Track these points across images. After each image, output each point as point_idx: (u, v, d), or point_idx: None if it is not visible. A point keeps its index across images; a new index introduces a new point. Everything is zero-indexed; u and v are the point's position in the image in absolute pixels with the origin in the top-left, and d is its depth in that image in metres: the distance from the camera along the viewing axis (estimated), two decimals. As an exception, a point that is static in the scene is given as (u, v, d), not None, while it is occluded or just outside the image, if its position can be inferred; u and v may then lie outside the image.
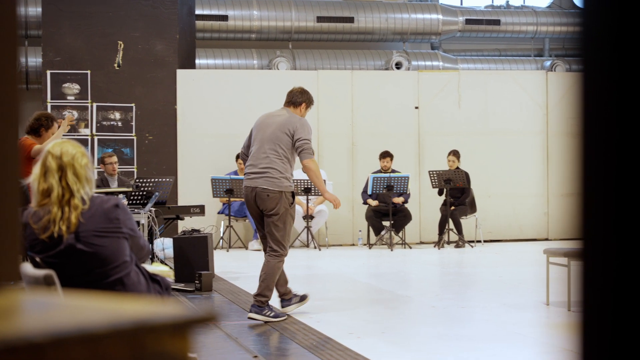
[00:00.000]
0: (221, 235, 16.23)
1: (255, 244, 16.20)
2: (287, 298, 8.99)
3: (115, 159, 14.29)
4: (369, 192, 16.16)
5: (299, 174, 16.51)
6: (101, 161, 14.40)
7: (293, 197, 8.61)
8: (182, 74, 16.75)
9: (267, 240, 8.66)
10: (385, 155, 16.46)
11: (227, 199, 16.03)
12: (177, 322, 1.39)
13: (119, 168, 15.13)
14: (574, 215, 1.47)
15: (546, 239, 17.74)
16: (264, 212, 8.57)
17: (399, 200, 16.31)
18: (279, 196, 8.47)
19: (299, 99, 9.12)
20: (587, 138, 1.43)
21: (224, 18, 19.26)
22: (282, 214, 8.48)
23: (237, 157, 16.32)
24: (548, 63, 20.65)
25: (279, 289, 8.94)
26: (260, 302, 8.54)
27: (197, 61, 18.51)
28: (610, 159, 1.40)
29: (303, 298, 9.06)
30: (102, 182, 13.69)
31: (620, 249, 1.39)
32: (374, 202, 16.35)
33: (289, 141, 8.67)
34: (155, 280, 4.87)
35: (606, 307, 1.39)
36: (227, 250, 15.84)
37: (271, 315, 8.49)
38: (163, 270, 5.41)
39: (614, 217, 1.39)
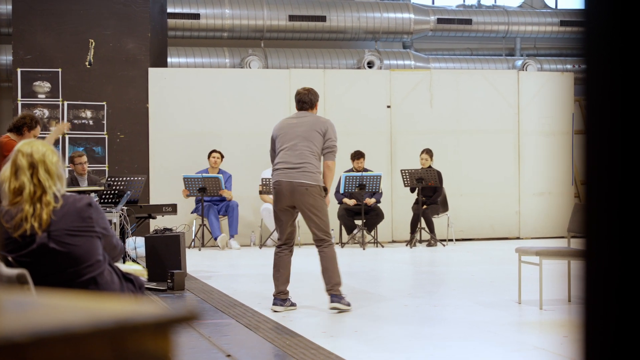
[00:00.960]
0: (194, 234, 16.18)
1: (233, 242, 16.18)
2: (283, 297, 9.09)
3: (85, 158, 14.23)
4: (341, 191, 16.16)
5: (269, 172, 16.51)
6: (70, 160, 14.33)
7: (325, 191, 9.01)
8: (153, 73, 16.70)
9: (313, 233, 9.04)
10: (358, 156, 16.46)
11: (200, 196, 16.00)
12: (158, 321, 1.38)
13: (90, 167, 15.07)
14: (581, 214, 1.47)
15: (517, 238, 17.81)
16: (301, 207, 8.93)
17: (370, 201, 16.32)
18: (317, 190, 8.84)
19: (313, 98, 9.27)
20: (591, 138, 1.43)
21: (196, 16, 19.20)
22: (321, 206, 8.88)
23: (209, 154, 16.28)
24: (519, 62, 20.72)
25: (280, 286, 9.11)
26: (337, 291, 8.89)
27: (169, 59, 18.45)
28: (614, 159, 1.40)
29: (293, 305, 9.21)
30: (72, 181, 13.63)
31: (624, 250, 1.39)
32: (351, 202, 16.34)
33: (320, 140, 8.98)
34: (128, 280, 4.86)
35: (609, 306, 1.39)
36: (199, 249, 15.80)
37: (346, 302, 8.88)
38: (136, 269, 5.38)
39: (618, 216, 1.40)
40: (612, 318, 1.39)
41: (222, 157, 16.38)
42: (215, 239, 15.98)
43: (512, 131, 17.98)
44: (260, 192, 16.33)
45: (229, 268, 13.49)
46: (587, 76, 1.43)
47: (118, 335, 1.34)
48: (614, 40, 1.38)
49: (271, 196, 16.20)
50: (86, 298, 1.51)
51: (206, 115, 16.82)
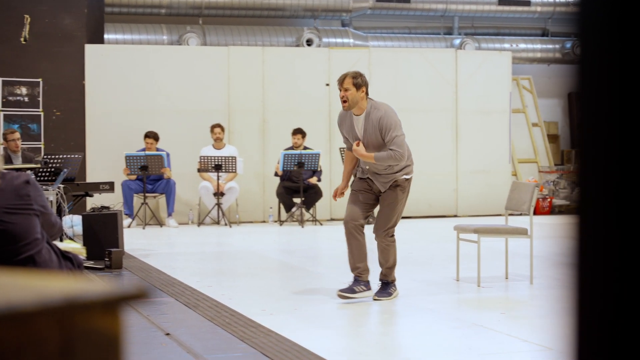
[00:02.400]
0: (134, 213, 16.04)
1: (171, 220, 16.11)
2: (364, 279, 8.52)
3: (17, 135, 14.05)
4: (280, 169, 16.13)
5: (208, 150, 16.44)
6: (3, 138, 14.14)
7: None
8: (90, 49, 16.51)
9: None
10: (297, 132, 16.46)
11: (138, 174, 15.89)
12: (107, 299, 1.35)
13: (25, 144, 14.88)
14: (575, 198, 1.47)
15: (455, 216, 17.93)
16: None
17: (313, 180, 16.33)
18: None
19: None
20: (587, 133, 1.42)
21: (133, -8, 19.00)
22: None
23: (146, 135, 16.13)
24: (457, 41, 20.81)
25: (363, 265, 8.50)
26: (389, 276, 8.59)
27: (105, 36, 18.24)
28: (612, 153, 1.40)
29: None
30: (6, 159, 13.46)
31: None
32: (279, 171, 16.26)
33: None
34: (67, 258, 4.80)
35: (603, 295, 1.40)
36: (144, 228, 15.68)
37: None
38: (75, 247, 5.33)
39: (614, 203, 1.39)
40: (606, 309, 1.40)
41: (157, 139, 16.18)
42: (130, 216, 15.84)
43: (450, 110, 18.08)
44: (199, 170, 16.25)
45: (167, 246, 13.43)
46: (583, 61, 1.41)
47: (66, 313, 1.32)
48: (612, 24, 1.37)
49: (210, 174, 16.22)
50: (32, 276, 1.48)
51: (144, 92, 16.68)
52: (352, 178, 8.71)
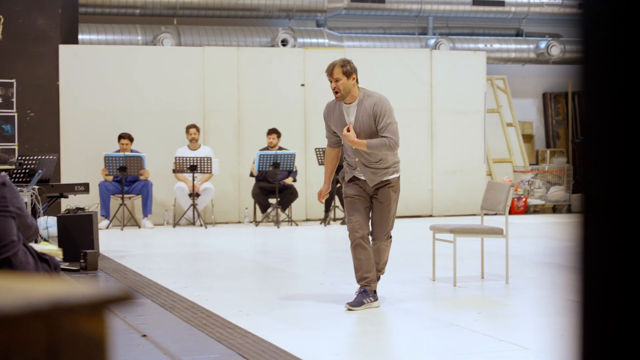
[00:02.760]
0: (112, 214, 15.98)
1: (147, 221, 16.07)
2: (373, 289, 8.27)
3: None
4: (256, 169, 16.12)
5: (183, 151, 16.41)
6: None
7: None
8: (64, 50, 16.45)
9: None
10: (272, 131, 16.45)
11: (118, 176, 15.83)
12: (93, 302, 1.35)
13: (-1, 145, 14.79)
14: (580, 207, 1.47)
15: (430, 216, 17.97)
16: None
17: (289, 181, 16.33)
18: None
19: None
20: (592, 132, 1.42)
21: (108, -7, 18.94)
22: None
23: (120, 136, 16.08)
24: (432, 41, 20.85)
25: (372, 275, 8.17)
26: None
27: (80, 36, 18.17)
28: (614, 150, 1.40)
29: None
30: (-19, 160, 13.37)
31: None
32: (255, 172, 16.26)
33: None
34: (43, 260, 4.78)
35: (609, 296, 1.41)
36: (122, 229, 15.62)
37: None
38: (51, 249, 5.31)
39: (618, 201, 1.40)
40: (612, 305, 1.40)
41: (132, 140, 16.16)
42: (107, 217, 15.81)
43: (425, 109, 18.12)
44: (174, 171, 16.22)
45: (142, 247, 13.39)
46: (585, 63, 1.42)
47: (53, 317, 1.32)
48: (615, 27, 1.38)
49: (185, 174, 16.18)
50: (17, 280, 1.47)
51: (119, 93, 16.63)
52: (341, 179, 8.44)
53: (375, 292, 8.13)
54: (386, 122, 7.85)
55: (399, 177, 8.12)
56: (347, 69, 7.99)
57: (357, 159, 8.07)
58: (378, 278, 8.25)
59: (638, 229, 1.38)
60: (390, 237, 8.24)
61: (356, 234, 8.04)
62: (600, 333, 1.43)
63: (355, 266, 8.12)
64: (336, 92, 8.00)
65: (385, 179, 8.03)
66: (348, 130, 7.96)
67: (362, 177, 8.12)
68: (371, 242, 8.14)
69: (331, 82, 8.02)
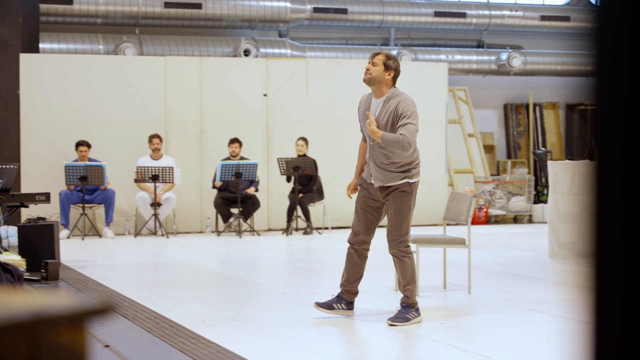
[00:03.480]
0: (72, 224, 15.89)
1: (108, 231, 15.98)
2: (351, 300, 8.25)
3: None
4: (218, 179, 16.10)
5: (145, 160, 16.35)
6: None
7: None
8: (25, 58, 16.34)
9: None
10: (234, 141, 16.44)
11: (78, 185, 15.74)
12: (73, 314, 1.35)
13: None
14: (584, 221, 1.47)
15: (392, 226, 17.98)
16: None
17: (251, 190, 16.30)
18: None
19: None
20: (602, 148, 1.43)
21: (69, 1, 18.84)
22: None
23: (77, 145, 16.02)
24: (394, 52, 20.93)
25: (352, 287, 8.18)
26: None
27: (41, 45, 18.07)
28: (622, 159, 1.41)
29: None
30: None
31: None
32: (218, 184, 16.24)
33: None
34: (7, 270, 4.74)
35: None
36: (83, 239, 15.53)
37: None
38: (15, 259, 5.27)
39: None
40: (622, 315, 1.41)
41: (89, 147, 16.10)
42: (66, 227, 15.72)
43: (387, 120, 18.15)
44: (136, 180, 16.16)
45: (104, 257, 13.32)
46: (599, 76, 1.43)
47: (33, 328, 1.31)
48: (630, 40, 1.39)
49: (147, 184, 16.12)
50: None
51: (80, 102, 16.54)
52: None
53: (350, 303, 8.10)
54: (406, 122, 7.70)
55: (413, 183, 7.89)
56: (389, 64, 7.92)
57: (371, 157, 8.00)
58: (406, 306, 7.88)
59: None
60: (407, 247, 7.95)
61: (351, 243, 8.16)
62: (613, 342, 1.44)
63: (343, 271, 8.19)
64: (367, 72, 7.92)
65: (393, 183, 7.88)
66: (371, 120, 7.81)
67: (372, 181, 7.99)
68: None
69: (369, 63, 7.93)
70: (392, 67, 7.90)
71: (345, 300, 8.09)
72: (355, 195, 8.35)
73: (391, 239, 7.94)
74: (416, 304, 7.89)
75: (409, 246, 7.95)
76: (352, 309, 8.10)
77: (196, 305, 8.74)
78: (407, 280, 7.88)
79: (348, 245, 8.18)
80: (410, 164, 7.87)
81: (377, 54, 7.97)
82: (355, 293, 8.13)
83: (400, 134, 7.65)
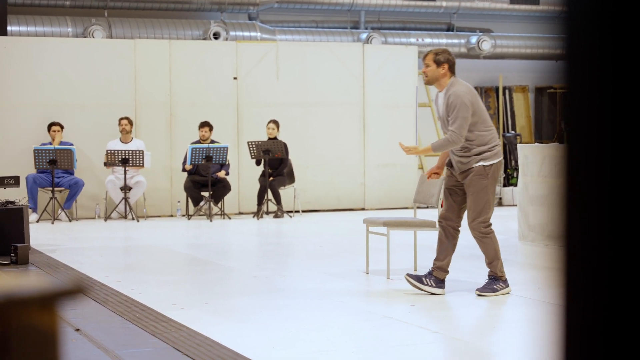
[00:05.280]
0: (41, 208, 15.81)
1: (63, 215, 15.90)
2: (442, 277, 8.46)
3: None
4: (188, 162, 16.07)
5: (115, 144, 16.29)
6: None
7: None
8: (-7, 41, 16.21)
9: None
10: (204, 125, 16.41)
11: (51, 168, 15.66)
12: (44, 295, 1.34)
13: None
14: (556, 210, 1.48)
15: (362, 209, 18.05)
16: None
17: (221, 174, 16.27)
18: None
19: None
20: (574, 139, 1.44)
21: (37, -16, 18.70)
22: None
23: (49, 128, 15.94)
24: (364, 35, 20.92)
25: (441, 263, 8.41)
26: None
27: (9, 28, 17.92)
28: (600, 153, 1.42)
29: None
30: None
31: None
32: (188, 167, 16.21)
33: None
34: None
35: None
36: (52, 223, 15.45)
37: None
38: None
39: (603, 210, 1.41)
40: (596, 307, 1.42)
41: (62, 127, 16.04)
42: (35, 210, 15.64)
43: (357, 104, 18.18)
44: (105, 164, 16.09)
45: (74, 241, 13.27)
46: (570, 57, 1.44)
47: (3, 310, 1.31)
48: (599, 20, 1.40)
49: (116, 167, 16.05)
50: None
51: (49, 86, 16.44)
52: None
53: (440, 280, 8.33)
54: (454, 116, 8.04)
55: (489, 166, 8.15)
56: (439, 59, 8.21)
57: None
58: (493, 278, 8.26)
59: (627, 229, 1.40)
60: (487, 227, 8.26)
61: (440, 222, 8.51)
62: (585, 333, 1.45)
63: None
64: (424, 76, 8.36)
65: (469, 167, 8.17)
66: (405, 148, 8.36)
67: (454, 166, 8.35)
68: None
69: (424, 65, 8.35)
70: (443, 61, 8.22)
71: (434, 277, 8.33)
72: (432, 180, 8.91)
73: (469, 220, 8.30)
74: (503, 275, 8.26)
75: (488, 226, 8.29)
76: (442, 287, 8.35)
77: (167, 289, 8.73)
78: (490, 258, 8.26)
79: (439, 225, 8.55)
80: (484, 148, 8.18)
81: (426, 55, 8.34)
82: (446, 271, 8.38)
83: (450, 130, 8.03)
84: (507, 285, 8.26)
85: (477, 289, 8.25)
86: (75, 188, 15.89)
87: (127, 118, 16.33)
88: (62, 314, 5.61)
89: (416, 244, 9.86)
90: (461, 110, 8.02)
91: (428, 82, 8.33)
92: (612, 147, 1.41)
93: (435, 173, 8.59)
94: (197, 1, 19.52)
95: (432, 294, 8.21)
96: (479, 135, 8.14)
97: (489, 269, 8.28)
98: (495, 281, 8.21)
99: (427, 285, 8.30)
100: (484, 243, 8.24)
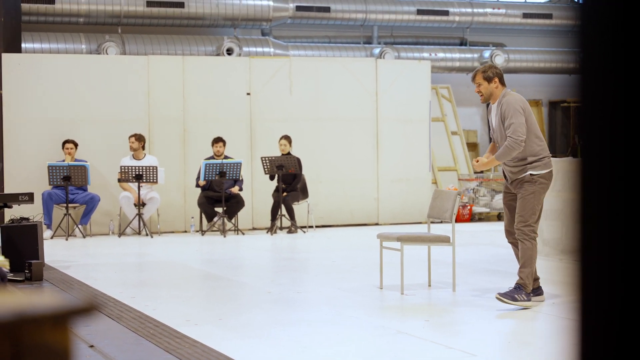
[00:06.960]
0: (55, 224, 15.84)
1: (78, 231, 15.92)
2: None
3: None
4: (202, 178, 16.08)
5: (128, 160, 16.32)
6: None
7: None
8: (7, 58, 16.28)
9: None
10: (218, 140, 16.43)
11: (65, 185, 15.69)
12: (57, 313, 1.34)
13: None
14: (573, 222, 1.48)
15: (376, 224, 18.02)
16: None
17: (235, 189, 16.27)
18: None
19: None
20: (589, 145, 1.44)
21: (51, 1, 18.79)
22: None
23: (63, 145, 15.99)
24: (377, 50, 20.95)
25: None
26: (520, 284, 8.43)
27: (23, 45, 18.01)
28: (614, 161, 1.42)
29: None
30: None
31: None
32: (201, 183, 16.22)
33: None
34: (-10, 271, 4.73)
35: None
36: (67, 239, 15.47)
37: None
38: (-2, 259, 5.25)
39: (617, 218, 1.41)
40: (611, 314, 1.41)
41: (76, 145, 16.08)
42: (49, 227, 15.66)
43: (371, 118, 18.18)
44: (119, 180, 16.12)
45: (88, 257, 13.28)
46: (584, 73, 1.43)
47: (16, 328, 1.30)
48: (615, 34, 1.39)
49: (130, 184, 16.08)
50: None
51: (63, 102, 16.49)
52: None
53: (529, 293, 8.34)
54: (509, 123, 8.37)
55: (536, 175, 8.39)
56: (488, 75, 8.59)
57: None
58: (518, 287, 8.34)
59: (639, 240, 1.40)
60: (530, 234, 8.35)
61: (505, 234, 8.77)
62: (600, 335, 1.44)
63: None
64: (480, 96, 8.69)
65: (519, 176, 8.45)
66: (477, 161, 8.68)
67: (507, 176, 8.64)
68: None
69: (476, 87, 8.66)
70: (492, 76, 8.61)
71: (523, 289, 8.35)
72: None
73: (515, 223, 8.44)
74: (528, 288, 8.32)
75: (533, 232, 8.39)
76: (539, 294, 8.53)
77: (181, 305, 8.73)
78: (523, 261, 8.36)
79: (506, 237, 8.77)
80: (533, 159, 8.40)
81: (474, 75, 8.70)
82: (536, 278, 8.51)
83: (508, 136, 8.30)
84: (529, 300, 8.29)
85: (499, 293, 8.35)
86: (91, 204, 15.93)
87: (134, 135, 16.34)
88: (75, 331, 5.60)
89: (430, 259, 9.84)
90: (515, 116, 8.34)
91: (485, 100, 8.65)
92: (625, 161, 1.40)
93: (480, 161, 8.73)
94: (211, 17, 19.57)
95: (526, 307, 8.28)
96: (529, 145, 8.40)
97: (518, 277, 8.34)
98: (519, 291, 8.27)
99: (521, 300, 8.30)
100: (524, 245, 8.35)
